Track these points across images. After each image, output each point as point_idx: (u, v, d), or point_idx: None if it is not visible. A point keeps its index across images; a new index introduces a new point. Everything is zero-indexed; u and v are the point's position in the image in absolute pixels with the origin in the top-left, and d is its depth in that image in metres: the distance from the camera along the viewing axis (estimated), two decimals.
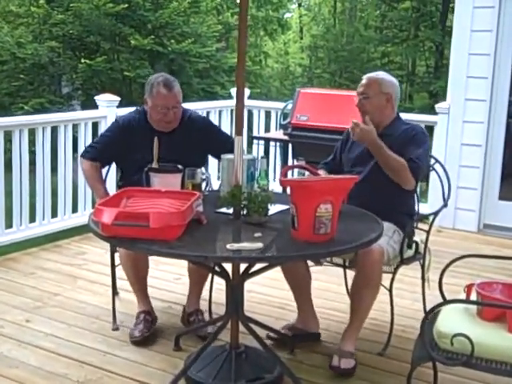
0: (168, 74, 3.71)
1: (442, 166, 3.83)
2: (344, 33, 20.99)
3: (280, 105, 6.64)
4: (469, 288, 2.68)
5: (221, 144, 3.55)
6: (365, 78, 3.52)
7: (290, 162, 5.70)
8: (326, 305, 4.02)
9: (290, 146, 5.63)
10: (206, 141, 3.65)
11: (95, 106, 5.57)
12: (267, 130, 6.74)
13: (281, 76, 21.21)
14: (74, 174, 5.29)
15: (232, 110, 6.68)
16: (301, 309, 3.58)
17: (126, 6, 11.42)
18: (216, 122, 6.40)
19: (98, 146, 3.65)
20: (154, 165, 3.25)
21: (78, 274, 4.51)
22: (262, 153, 6.53)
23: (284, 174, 2.76)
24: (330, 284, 4.27)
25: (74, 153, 5.25)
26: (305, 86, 20.52)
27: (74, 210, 5.35)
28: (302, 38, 23.21)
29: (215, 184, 4.03)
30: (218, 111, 6.53)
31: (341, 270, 3.86)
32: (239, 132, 2.96)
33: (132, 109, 5.90)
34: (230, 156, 3.38)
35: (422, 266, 3.68)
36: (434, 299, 3.89)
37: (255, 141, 6.53)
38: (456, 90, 5.71)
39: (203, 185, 3.36)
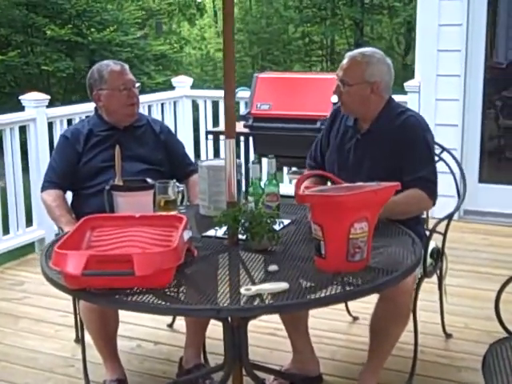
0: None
1: (452, 155, 3.28)
2: (264, 14, 20.48)
3: None
4: None
5: (176, 153, 3.20)
6: (346, 58, 2.77)
7: (251, 159, 5.05)
8: (323, 326, 3.41)
9: (250, 139, 4.97)
10: (166, 144, 3.16)
11: (15, 106, 4.78)
12: (215, 123, 6.05)
13: (201, 62, 20.54)
14: (3, 189, 4.50)
15: (175, 103, 5.97)
16: (297, 348, 2.90)
17: None
18: (159, 117, 5.71)
19: (56, 170, 2.99)
20: (118, 181, 2.55)
21: (19, 311, 3.73)
22: (210, 150, 5.88)
23: (300, 185, 2.11)
24: None
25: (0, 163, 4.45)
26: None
27: (5, 231, 4.54)
28: (216, 22, 22.56)
29: None
30: (160, 104, 5.79)
31: None
32: (230, 134, 2.30)
33: (67, 108, 5.27)
34: (209, 163, 2.77)
35: (440, 275, 3.13)
36: (450, 308, 3.37)
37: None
38: (426, 65, 5.19)
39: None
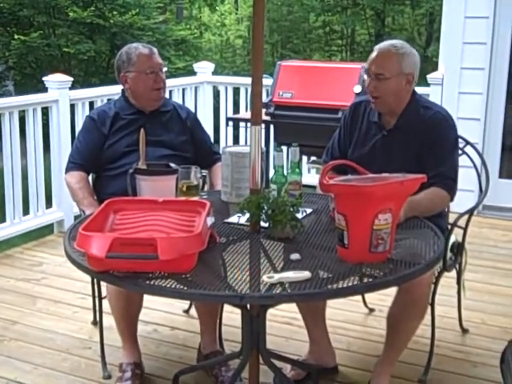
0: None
1: (476, 149, 3.24)
2: (285, 2, 20.39)
3: (248, 80, 5.94)
4: None
5: (202, 142, 3.16)
6: (379, 52, 2.69)
7: (271, 147, 5.04)
8: (339, 316, 3.40)
9: (270, 127, 4.96)
10: (192, 131, 3.14)
11: (35, 87, 4.79)
12: (236, 109, 6.04)
13: (221, 48, 20.48)
14: (24, 169, 4.51)
15: (196, 88, 5.96)
16: (314, 340, 2.89)
17: None
18: (180, 102, 5.70)
19: (81, 151, 2.98)
20: (141, 165, 2.55)
21: (36, 292, 3.76)
22: (230, 137, 5.87)
23: (325, 174, 2.10)
24: None
25: (21, 144, 4.45)
26: (245, 58, 19.92)
27: (25, 211, 4.56)
28: (237, 9, 22.47)
29: None
30: (181, 89, 5.78)
31: None
32: (257, 121, 2.30)
33: (89, 90, 5.30)
34: (233, 149, 2.76)
35: (459, 270, 3.11)
36: (467, 303, 3.35)
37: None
38: (450, 57, 5.14)
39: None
